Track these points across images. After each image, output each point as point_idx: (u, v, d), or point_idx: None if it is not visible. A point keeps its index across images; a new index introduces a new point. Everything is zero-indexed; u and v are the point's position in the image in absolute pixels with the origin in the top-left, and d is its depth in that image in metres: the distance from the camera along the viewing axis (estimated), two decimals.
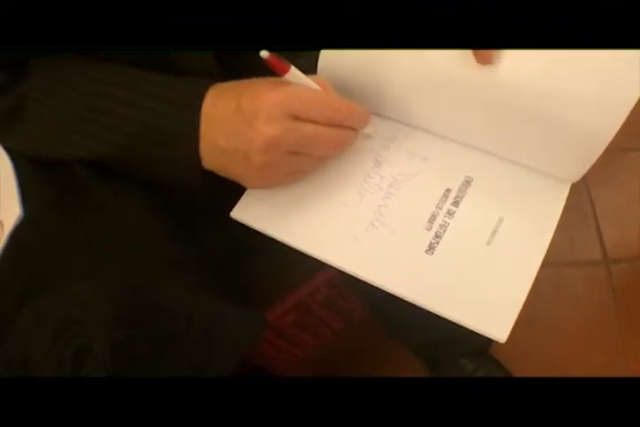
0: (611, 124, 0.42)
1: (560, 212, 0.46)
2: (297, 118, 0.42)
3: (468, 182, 0.48)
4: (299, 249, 0.47)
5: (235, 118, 0.43)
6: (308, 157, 0.45)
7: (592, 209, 1.22)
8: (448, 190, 0.48)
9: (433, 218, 0.46)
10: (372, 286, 0.45)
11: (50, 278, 0.42)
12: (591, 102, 0.42)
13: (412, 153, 0.50)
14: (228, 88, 0.45)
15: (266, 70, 0.44)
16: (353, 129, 0.46)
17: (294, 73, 0.42)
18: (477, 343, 0.89)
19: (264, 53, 0.39)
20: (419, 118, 0.50)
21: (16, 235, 0.47)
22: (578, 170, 0.46)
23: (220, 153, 0.45)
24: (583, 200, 1.23)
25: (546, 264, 0.45)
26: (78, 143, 0.50)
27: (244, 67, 0.54)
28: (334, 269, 0.48)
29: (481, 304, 0.43)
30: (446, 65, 0.45)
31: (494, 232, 0.45)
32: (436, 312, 0.43)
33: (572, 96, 0.43)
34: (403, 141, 0.50)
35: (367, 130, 0.48)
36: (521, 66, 0.43)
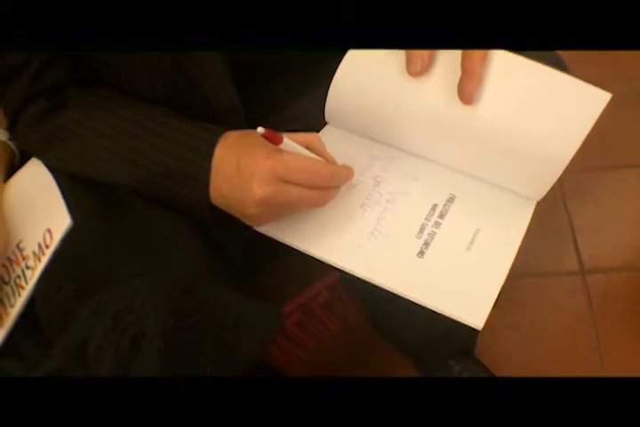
0: (565, 153, 0.51)
1: (526, 224, 0.55)
2: (286, 182, 0.50)
3: (451, 199, 0.57)
4: (309, 254, 0.55)
5: (235, 174, 0.52)
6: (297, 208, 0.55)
7: (569, 223, 1.28)
8: (435, 205, 0.57)
9: (422, 228, 0.55)
10: (370, 288, 0.53)
11: (106, 277, 0.50)
12: (548, 135, 0.52)
13: (406, 174, 0.59)
14: (233, 145, 0.54)
15: (281, 103, 0.53)
16: (335, 187, 0.55)
17: (287, 143, 0.50)
18: (463, 343, 0.95)
19: (260, 129, 0.47)
20: (412, 145, 0.60)
21: (69, 240, 0.55)
22: (540, 190, 0.55)
23: (222, 197, 0.54)
24: (561, 215, 1.29)
25: (527, 274, 0.54)
26: (104, 171, 0.59)
27: (265, 101, 0.63)
28: (336, 274, 0.56)
29: (461, 298, 0.52)
30: (436, 103, 0.54)
31: (472, 240, 0.54)
32: (425, 304, 0.51)
33: (533, 129, 0.52)
34: (398, 164, 0.60)
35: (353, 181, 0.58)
36: (493, 105, 0.53)
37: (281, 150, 0.51)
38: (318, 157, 0.54)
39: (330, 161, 0.55)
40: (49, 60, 0.60)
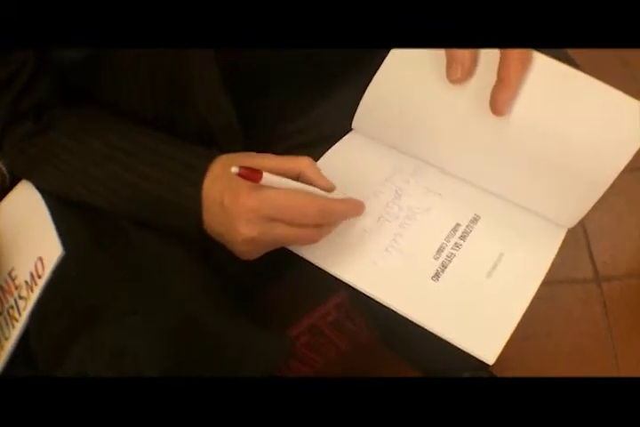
0: (607, 175, 0.47)
1: (555, 253, 0.52)
2: (272, 220, 0.47)
3: (475, 219, 0.53)
4: (321, 267, 0.52)
5: (220, 211, 0.49)
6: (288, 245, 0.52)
7: (583, 230, 1.26)
8: (458, 225, 0.53)
9: (441, 249, 0.52)
10: (381, 307, 0.50)
11: (99, 312, 0.47)
12: (591, 153, 0.48)
13: (429, 189, 0.55)
14: (219, 176, 0.50)
15: (286, 115, 0.49)
16: (329, 224, 0.50)
17: (268, 178, 0.46)
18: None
19: (234, 169, 0.43)
20: (439, 158, 0.56)
21: (61, 270, 0.52)
22: (573, 217, 0.52)
23: (212, 231, 0.51)
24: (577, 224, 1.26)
25: (542, 283, 0.50)
26: (90, 197, 0.56)
27: (267, 115, 0.60)
28: (344, 293, 0.52)
29: (474, 329, 0.48)
30: (467, 113, 0.50)
31: (494, 266, 0.51)
32: (434, 331, 0.48)
33: (573, 146, 0.48)
34: (422, 177, 0.56)
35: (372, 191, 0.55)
36: (529, 117, 0.49)
37: (263, 187, 0.47)
38: (310, 188, 0.49)
39: (326, 189, 0.51)
40: (32, 78, 0.56)
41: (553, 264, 1.19)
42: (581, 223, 1.24)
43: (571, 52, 0.57)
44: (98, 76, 0.57)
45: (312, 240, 0.50)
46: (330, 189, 0.50)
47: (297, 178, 0.49)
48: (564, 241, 1.26)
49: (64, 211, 0.57)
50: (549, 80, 0.49)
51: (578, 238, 1.25)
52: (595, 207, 1.28)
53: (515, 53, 0.47)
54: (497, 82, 0.47)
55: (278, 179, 0.47)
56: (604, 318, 1.13)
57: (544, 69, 0.49)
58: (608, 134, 0.48)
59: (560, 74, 0.49)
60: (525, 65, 0.48)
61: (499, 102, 0.48)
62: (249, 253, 0.50)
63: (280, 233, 0.48)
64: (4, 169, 0.68)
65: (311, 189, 0.49)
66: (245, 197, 0.47)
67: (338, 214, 0.50)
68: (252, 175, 0.44)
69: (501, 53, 0.47)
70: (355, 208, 0.51)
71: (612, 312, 1.14)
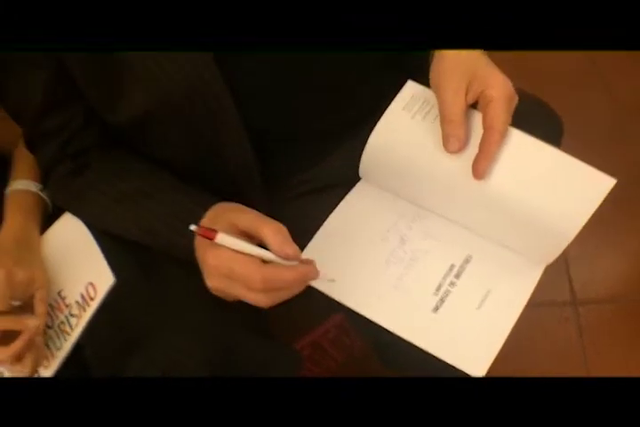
0: (569, 232, 0.57)
1: (534, 286, 0.61)
2: (229, 278, 0.50)
3: (468, 260, 0.62)
4: (336, 299, 0.60)
5: (198, 261, 0.54)
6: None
7: (564, 256, 1.33)
8: (452, 266, 0.62)
9: (439, 286, 0.61)
10: (381, 331, 0.59)
11: (149, 332, 0.55)
12: (555, 214, 0.57)
13: (428, 234, 0.64)
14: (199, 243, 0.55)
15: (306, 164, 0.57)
16: (276, 290, 0.50)
17: (223, 238, 0.49)
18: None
19: (192, 227, 0.48)
20: (435, 207, 0.65)
21: (114, 295, 0.61)
22: (546, 258, 0.61)
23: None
24: None
25: None
26: (118, 229, 0.64)
27: (278, 171, 0.68)
28: (341, 315, 0.60)
29: (466, 351, 0.58)
30: (456, 173, 0.59)
31: (483, 300, 0.60)
32: (434, 354, 0.57)
33: (541, 207, 0.57)
34: (422, 223, 0.65)
35: (329, 277, 0.57)
36: (505, 181, 0.58)
37: (220, 246, 0.50)
38: (267, 254, 0.50)
39: (282, 257, 0.50)
40: (81, 128, 0.65)
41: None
42: (563, 253, 1.33)
43: None
44: (138, 135, 0.65)
45: (262, 304, 0.50)
46: (286, 257, 0.50)
47: (259, 237, 0.51)
48: (545, 267, 1.32)
49: (110, 243, 0.66)
50: (524, 151, 0.58)
51: (558, 263, 1.30)
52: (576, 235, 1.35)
53: (494, 130, 0.55)
54: (478, 153, 0.56)
55: (233, 240, 0.49)
56: (579, 339, 1.20)
57: (521, 142, 0.58)
58: (571, 196, 0.57)
59: (533, 146, 0.58)
60: (502, 139, 0.56)
61: (479, 170, 0.56)
62: (225, 298, 0.54)
63: (238, 291, 0.50)
64: (47, 199, 0.76)
65: (267, 254, 0.50)
66: (208, 254, 0.50)
67: (284, 282, 0.50)
68: (207, 234, 0.49)
69: (484, 129, 0.56)
70: (304, 275, 0.51)
71: (587, 335, 1.21)
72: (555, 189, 0.57)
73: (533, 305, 1.21)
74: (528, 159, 0.58)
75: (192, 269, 0.55)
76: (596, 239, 1.35)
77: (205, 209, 0.56)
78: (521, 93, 0.59)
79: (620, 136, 1.54)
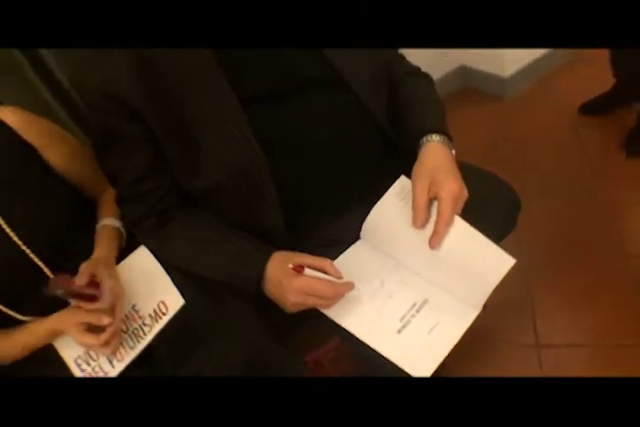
0: (478, 299, 0.84)
1: (471, 321, 0.86)
2: (308, 294, 0.82)
3: (425, 301, 0.89)
4: (334, 320, 0.87)
5: (278, 286, 0.84)
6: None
7: (530, 303, 1.55)
8: (415, 303, 0.89)
9: (404, 316, 0.88)
10: (365, 349, 0.84)
11: (204, 340, 0.83)
12: (478, 273, 0.84)
13: (401, 281, 0.92)
14: (279, 267, 0.85)
15: (323, 226, 0.87)
16: (339, 296, 0.85)
17: (307, 271, 0.83)
18: None
19: (290, 265, 0.85)
20: (407, 263, 0.92)
21: (181, 312, 0.88)
22: (478, 303, 0.87)
23: (269, 293, 0.87)
24: (524, 298, 1.56)
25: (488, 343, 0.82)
26: (194, 270, 0.92)
27: (300, 229, 0.95)
28: (338, 339, 0.85)
29: (416, 360, 0.83)
30: (420, 242, 0.86)
31: (433, 328, 0.86)
32: (392, 360, 0.82)
33: (470, 269, 0.85)
34: (397, 273, 0.92)
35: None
36: (446, 252, 0.85)
37: (304, 275, 0.83)
38: (329, 277, 0.84)
39: (337, 277, 0.85)
40: (166, 192, 0.92)
41: (500, 329, 1.45)
42: (530, 301, 1.54)
43: None
44: (205, 198, 0.92)
45: (327, 307, 0.86)
46: (339, 277, 0.85)
47: (322, 270, 0.85)
48: (513, 310, 1.50)
49: (175, 271, 0.93)
50: (461, 234, 0.84)
51: (524, 309, 1.53)
52: (545, 288, 1.53)
53: (441, 220, 0.82)
54: (433, 233, 0.83)
55: (311, 271, 0.84)
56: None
57: (460, 228, 0.84)
58: (486, 265, 0.84)
59: (465, 231, 0.84)
60: (447, 226, 0.82)
61: (432, 243, 0.84)
62: (291, 309, 0.85)
63: (312, 302, 0.84)
64: (123, 231, 1.04)
65: (328, 277, 0.85)
66: (295, 281, 0.82)
67: (342, 293, 0.85)
68: (299, 269, 0.83)
69: (436, 217, 0.82)
70: (348, 288, 0.85)
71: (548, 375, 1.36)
72: (469, 263, 0.85)
73: (499, 344, 1.46)
74: (462, 240, 0.85)
75: (239, 296, 0.86)
76: (563, 290, 1.56)
77: (267, 254, 0.86)
78: (488, 176, 0.92)
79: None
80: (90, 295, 0.86)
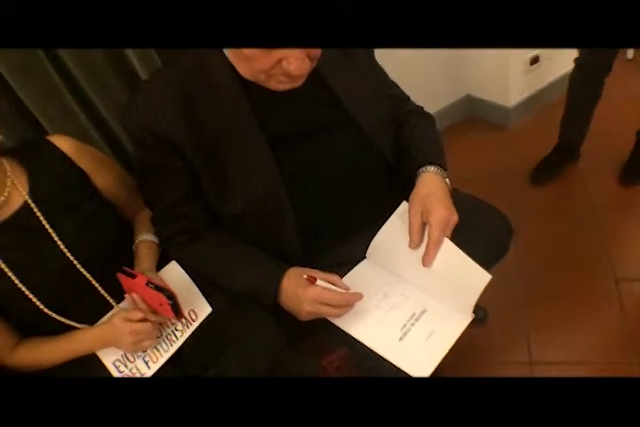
0: (472, 295, 0.96)
1: (464, 328, 0.98)
2: (321, 304, 0.94)
3: (424, 311, 1.02)
4: (344, 330, 0.98)
5: (294, 297, 0.97)
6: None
7: (525, 324, 1.63)
8: (414, 314, 1.01)
9: (404, 325, 1.00)
10: (369, 357, 0.96)
11: (231, 341, 0.95)
12: (462, 286, 0.97)
13: (402, 294, 1.04)
14: (293, 279, 0.98)
15: (325, 248, 1.00)
16: (349, 306, 0.97)
17: (319, 282, 0.95)
18: None
19: (305, 276, 0.99)
20: (407, 278, 1.05)
21: (209, 319, 1.00)
22: (466, 311, 0.99)
23: (286, 306, 0.99)
24: (519, 317, 1.67)
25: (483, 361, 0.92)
26: (220, 282, 1.05)
27: (318, 243, 1.09)
28: (345, 349, 0.98)
29: (414, 363, 0.94)
30: (415, 262, 0.99)
31: (429, 336, 0.98)
32: (393, 362, 0.94)
33: (454, 283, 0.98)
34: (399, 288, 1.05)
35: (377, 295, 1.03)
36: (437, 269, 0.98)
37: (317, 286, 0.95)
38: (338, 289, 0.97)
39: (345, 289, 0.98)
40: (198, 215, 1.05)
41: (495, 348, 1.56)
42: (525, 318, 1.64)
43: None
44: (231, 222, 1.06)
45: (338, 316, 0.97)
46: (346, 289, 0.99)
47: (332, 282, 0.98)
48: (507, 328, 1.61)
49: (204, 283, 1.06)
50: (449, 254, 0.97)
51: (519, 328, 1.62)
52: (541, 308, 1.65)
53: (432, 242, 0.94)
54: (424, 253, 0.96)
55: (323, 283, 0.96)
56: None
57: (448, 249, 0.96)
58: (469, 280, 0.97)
59: (453, 252, 0.96)
60: (437, 247, 0.95)
61: (425, 262, 0.97)
62: (306, 318, 0.97)
63: (325, 311, 0.96)
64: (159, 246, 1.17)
65: (338, 289, 0.98)
66: (309, 291, 0.95)
67: (352, 302, 0.97)
68: (312, 279, 0.95)
69: (428, 239, 0.95)
70: (358, 298, 0.98)
71: None
72: (457, 278, 0.98)
73: (493, 361, 1.57)
74: (450, 260, 0.98)
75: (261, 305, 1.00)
76: (557, 317, 1.65)
77: (283, 270, 1.00)
78: (480, 204, 1.07)
79: None
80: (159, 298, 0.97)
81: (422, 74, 2.30)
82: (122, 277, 1.01)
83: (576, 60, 1.95)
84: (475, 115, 2.62)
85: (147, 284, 0.94)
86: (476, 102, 2.58)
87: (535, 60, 2.36)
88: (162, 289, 0.95)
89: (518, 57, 2.31)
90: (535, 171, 2.19)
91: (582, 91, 2.02)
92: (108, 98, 1.31)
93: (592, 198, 2.05)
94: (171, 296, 0.94)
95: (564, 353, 1.57)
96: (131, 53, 1.29)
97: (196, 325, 1.02)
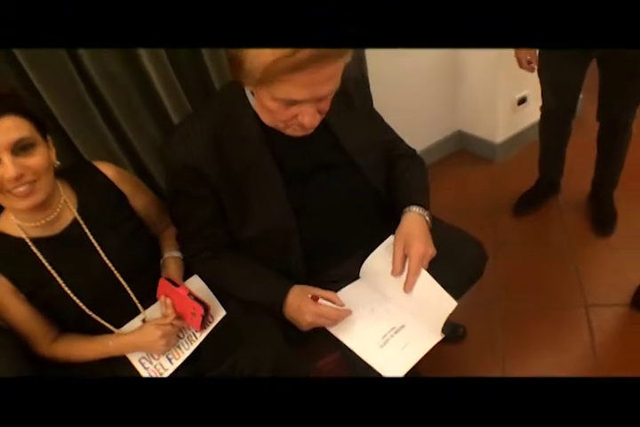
0: (442, 315, 1.15)
1: (435, 342, 1.17)
2: (320, 316, 1.13)
3: (403, 326, 1.20)
4: (334, 335, 1.17)
5: (297, 309, 1.17)
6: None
7: (502, 346, 1.78)
8: (394, 327, 1.20)
9: (385, 335, 1.18)
10: (359, 363, 1.15)
11: (241, 341, 1.14)
12: (434, 308, 1.16)
13: (386, 310, 1.22)
14: (298, 294, 1.18)
15: (324, 266, 1.20)
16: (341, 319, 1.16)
17: (320, 301, 1.16)
18: None
19: (309, 295, 1.19)
20: (390, 297, 1.23)
21: (223, 321, 1.19)
22: (436, 330, 1.18)
23: (288, 315, 1.18)
24: (495, 339, 1.80)
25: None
26: (234, 294, 1.24)
27: (318, 263, 1.28)
28: (338, 353, 1.17)
29: (391, 365, 1.13)
30: (397, 286, 1.18)
31: (405, 346, 1.17)
32: (372, 365, 1.12)
33: (428, 306, 1.17)
34: (384, 304, 1.24)
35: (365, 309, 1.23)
36: (416, 294, 1.17)
37: (318, 303, 1.15)
38: (334, 306, 1.16)
39: (340, 305, 1.16)
40: (221, 236, 1.24)
41: (473, 363, 1.74)
42: (501, 340, 1.77)
43: None
44: (247, 244, 1.24)
45: (332, 326, 1.17)
46: (341, 306, 1.17)
47: (330, 300, 1.17)
48: (483, 346, 1.78)
49: (219, 294, 1.26)
50: (424, 283, 1.15)
51: (495, 348, 1.76)
52: (516, 338, 1.84)
53: (410, 273, 1.13)
54: (405, 282, 1.15)
55: (324, 301, 1.15)
56: None
57: (425, 279, 1.15)
58: (439, 305, 1.15)
59: (428, 281, 1.15)
60: (415, 277, 1.15)
61: (405, 288, 1.16)
62: (306, 328, 1.16)
63: (321, 322, 1.15)
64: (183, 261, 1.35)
65: (333, 305, 1.17)
66: (311, 306, 1.15)
67: (343, 317, 1.16)
68: (315, 299, 1.14)
69: (407, 270, 1.14)
70: (348, 313, 1.17)
71: None
72: (430, 302, 1.17)
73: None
74: (425, 287, 1.16)
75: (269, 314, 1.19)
76: (533, 340, 1.77)
77: (288, 287, 1.19)
78: (458, 232, 1.24)
79: None
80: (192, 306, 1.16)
81: (419, 111, 2.47)
82: (164, 283, 1.18)
83: (541, 109, 2.11)
84: (465, 149, 2.79)
85: (188, 294, 1.14)
86: (466, 137, 2.76)
87: (523, 101, 2.53)
88: (201, 301, 1.15)
89: (507, 97, 2.47)
90: (517, 202, 2.36)
91: (550, 135, 2.19)
92: (142, 134, 1.49)
93: (568, 229, 2.20)
94: (207, 309, 1.15)
95: (535, 371, 1.70)
96: (164, 97, 1.46)
97: (212, 326, 1.21)
